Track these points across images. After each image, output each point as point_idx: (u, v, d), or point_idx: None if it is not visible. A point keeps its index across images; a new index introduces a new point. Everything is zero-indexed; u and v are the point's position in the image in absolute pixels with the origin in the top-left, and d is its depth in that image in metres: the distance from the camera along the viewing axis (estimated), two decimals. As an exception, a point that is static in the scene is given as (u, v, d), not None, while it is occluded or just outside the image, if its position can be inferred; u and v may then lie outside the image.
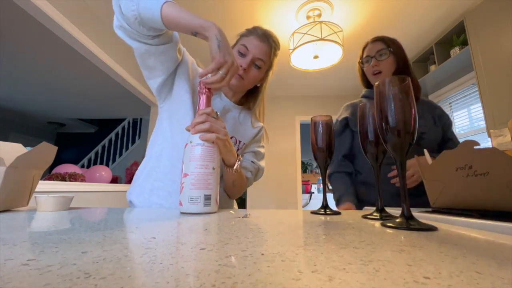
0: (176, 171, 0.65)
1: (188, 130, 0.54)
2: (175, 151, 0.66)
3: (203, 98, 0.56)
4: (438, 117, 0.92)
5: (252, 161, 0.79)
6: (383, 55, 0.91)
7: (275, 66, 0.79)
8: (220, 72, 0.54)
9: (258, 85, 0.81)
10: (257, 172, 0.81)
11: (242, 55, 0.71)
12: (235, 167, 0.63)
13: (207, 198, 0.50)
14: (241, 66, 0.69)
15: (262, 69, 0.73)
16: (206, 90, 0.56)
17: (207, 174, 0.51)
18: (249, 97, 0.83)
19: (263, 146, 0.86)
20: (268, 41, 0.72)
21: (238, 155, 0.64)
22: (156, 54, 0.61)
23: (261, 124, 0.85)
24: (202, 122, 0.52)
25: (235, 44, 0.75)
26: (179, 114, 0.69)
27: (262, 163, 0.82)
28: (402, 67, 0.92)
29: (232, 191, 0.74)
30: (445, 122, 0.93)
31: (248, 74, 0.71)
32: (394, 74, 0.93)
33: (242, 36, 0.74)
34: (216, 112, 0.57)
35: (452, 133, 0.93)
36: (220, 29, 0.54)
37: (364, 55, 0.96)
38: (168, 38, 0.61)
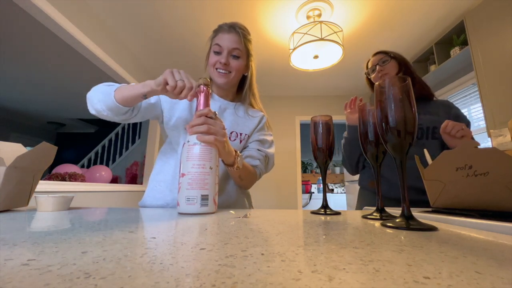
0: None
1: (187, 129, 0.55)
2: None
3: (201, 97, 0.56)
4: (454, 117, 0.95)
5: (258, 149, 0.80)
6: (386, 61, 0.99)
7: (253, 51, 0.82)
8: (177, 78, 0.58)
9: (246, 74, 0.83)
10: (266, 159, 0.81)
11: (217, 53, 0.75)
12: (235, 166, 0.63)
13: (204, 198, 0.49)
14: (220, 62, 0.74)
15: (242, 57, 0.77)
16: (204, 88, 0.56)
17: (204, 174, 0.50)
18: (241, 93, 0.86)
19: (270, 134, 0.87)
20: (235, 30, 0.76)
21: (236, 152, 0.64)
22: (139, 117, 0.74)
23: (261, 113, 0.86)
24: (200, 124, 0.53)
25: (209, 50, 0.79)
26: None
27: (270, 150, 0.83)
28: (405, 69, 0.99)
29: (242, 184, 0.77)
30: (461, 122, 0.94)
31: (230, 66, 0.75)
32: (397, 75, 0.98)
33: (212, 38, 0.79)
34: (215, 111, 0.57)
35: None
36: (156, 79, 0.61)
37: (369, 67, 1.05)
38: (135, 110, 0.72)
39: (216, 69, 0.75)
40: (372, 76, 1.03)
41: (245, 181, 0.75)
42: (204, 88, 0.56)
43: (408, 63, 1.00)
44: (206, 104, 0.56)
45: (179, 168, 0.53)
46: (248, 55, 0.80)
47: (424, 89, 1.00)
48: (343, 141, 1.06)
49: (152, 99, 0.75)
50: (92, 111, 0.69)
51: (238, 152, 0.65)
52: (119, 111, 0.67)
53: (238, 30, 0.75)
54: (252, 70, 0.83)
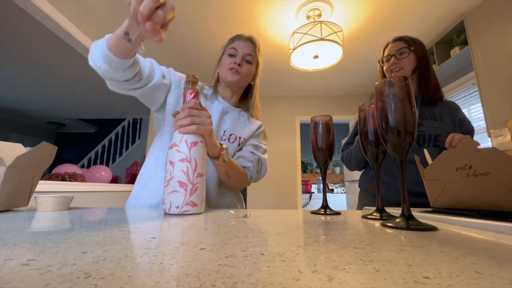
0: None
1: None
2: None
3: (187, 94, 0.54)
4: (459, 122, 0.91)
5: (251, 151, 0.81)
6: (403, 53, 0.91)
7: (261, 63, 0.88)
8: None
9: (252, 83, 0.88)
10: (259, 164, 0.81)
11: (232, 56, 0.81)
12: (221, 158, 0.62)
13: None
14: (235, 62, 0.79)
15: (253, 64, 0.83)
16: (191, 86, 0.54)
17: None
18: (245, 100, 0.89)
19: (264, 144, 0.89)
20: (251, 40, 0.84)
21: (221, 145, 0.63)
22: (142, 84, 0.68)
23: (259, 122, 0.89)
24: (184, 118, 0.51)
25: (222, 53, 0.84)
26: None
27: (264, 156, 0.84)
28: (423, 66, 0.91)
29: (230, 183, 0.74)
30: (465, 129, 0.90)
31: (242, 69, 0.80)
32: (413, 72, 0.91)
33: (228, 44, 0.84)
34: (200, 103, 0.55)
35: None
36: None
37: (385, 55, 0.96)
38: (146, 80, 0.68)
39: (230, 68, 0.79)
40: (385, 66, 0.94)
41: (233, 180, 0.72)
42: (190, 86, 0.54)
43: (427, 59, 0.92)
44: (194, 99, 0.55)
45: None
46: (257, 65, 0.85)
47: (437, 92, 0.93)
48: (355, 143, 0.97)
49: (166, 80, 0.74)
50: (90, 62, 0.63)
51: (224, 145, 0.64)
52: (113, 63, 0.59)
53: (254, 41, 0.83)
54: (257, 82, 0.88)
